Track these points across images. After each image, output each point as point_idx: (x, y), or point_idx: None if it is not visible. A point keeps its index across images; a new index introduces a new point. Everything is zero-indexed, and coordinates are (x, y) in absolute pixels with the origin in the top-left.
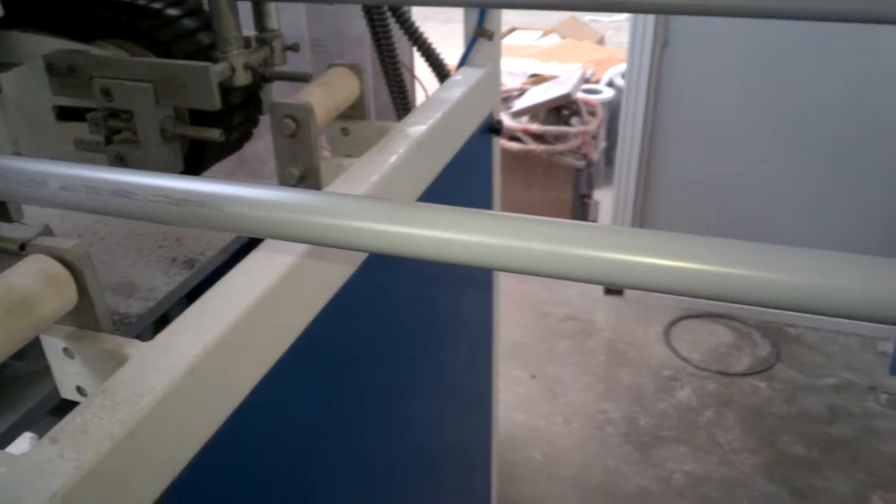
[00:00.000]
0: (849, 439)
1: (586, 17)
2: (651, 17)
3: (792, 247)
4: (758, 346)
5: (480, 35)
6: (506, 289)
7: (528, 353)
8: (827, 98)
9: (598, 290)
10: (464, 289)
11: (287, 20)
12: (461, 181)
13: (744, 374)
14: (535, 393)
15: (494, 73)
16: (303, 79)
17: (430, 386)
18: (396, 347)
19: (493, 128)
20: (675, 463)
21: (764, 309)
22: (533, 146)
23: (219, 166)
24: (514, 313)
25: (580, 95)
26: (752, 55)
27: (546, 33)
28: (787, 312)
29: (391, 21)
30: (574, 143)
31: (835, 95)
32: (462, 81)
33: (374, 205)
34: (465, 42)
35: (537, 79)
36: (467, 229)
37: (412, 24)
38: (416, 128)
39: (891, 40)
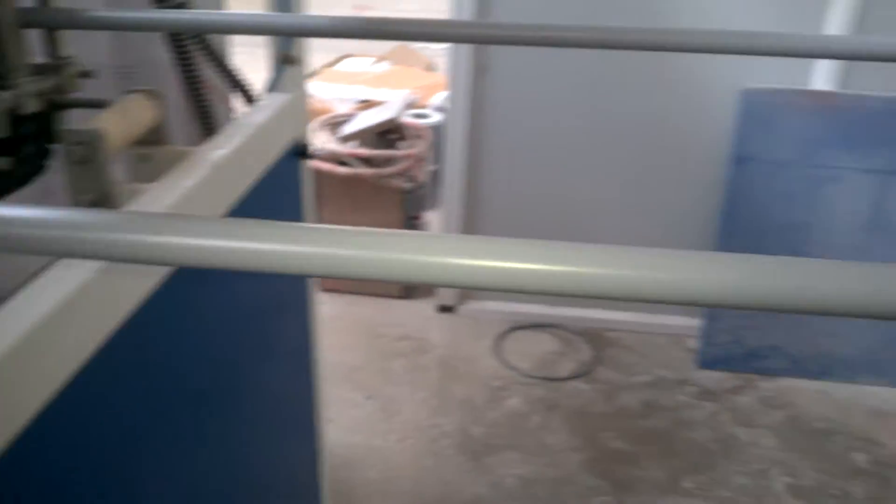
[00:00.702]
0: (662, 430)
1: (417, 45)
2: (469, 47)
3: (608, 245)
4: (581, 352)
5: (286, 61)
6: (337, 312)
7: (363, 375)
8: (627, 115)
9: (431, 309)
10: (277, 309)
11: (89, 47)
12: (267, 205)
13: (568, 378)
14: (371, 413)
15: (300, 99)
16: (98, 105)
17: (242, 407)
18: (202, 368)
19: (300, 152)
20: (506, 468)
21: (587, 317)
22: (361, 170)
23: (19, 198)
24: (346, 336)
25: (408, 120)
26: (565, 79)
27: (378, 60)
28: (607, 319)
29: (195, 46)
30: (402, 165)
31: (633, 113)
32: (266, 107)
33: (137, 218)
34: (272, 68)
35: (367, 104)
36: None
37: (214, 50)
38: (216, 152)
39: (675, 63)
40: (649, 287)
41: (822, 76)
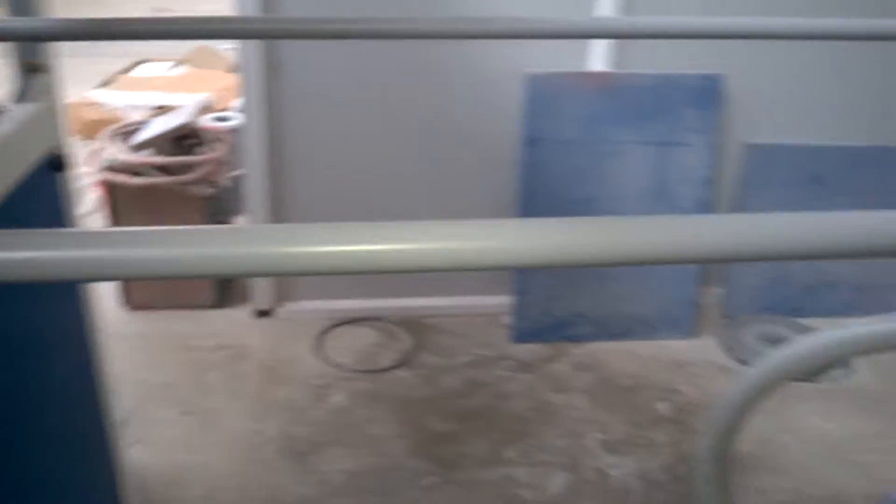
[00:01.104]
0: (483, 407)
1: (221, 45)
2: (259, 45)
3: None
4: (402, 341)
5: (32, 69)
6: (147, 330)
7: (178, 391)
8: (423, 103)
9: (247, 315)
10: (46, 336)
11: None
12: (18, 221)
13: (390, 368)
14: (189, 429)
15: (53, 108)
16: None
17: (14, 442)
18: None
19: (55, 164)
20: (332, 464)
21: (405, 306)
22: (158, 179)
23: None
24: (158, 354)
25: (206, 124)
26: (359, 71)
27: (178, 63)
28: (425, 306)
29: None
30: (201, 171)
31: (428, 101)
32: (10, 119)
33: None
34: (16, 78)
35: (161, 110)
36: None
37: None
38: None
39: (464, 51)
40: (464, 256)
41: (599, 58)
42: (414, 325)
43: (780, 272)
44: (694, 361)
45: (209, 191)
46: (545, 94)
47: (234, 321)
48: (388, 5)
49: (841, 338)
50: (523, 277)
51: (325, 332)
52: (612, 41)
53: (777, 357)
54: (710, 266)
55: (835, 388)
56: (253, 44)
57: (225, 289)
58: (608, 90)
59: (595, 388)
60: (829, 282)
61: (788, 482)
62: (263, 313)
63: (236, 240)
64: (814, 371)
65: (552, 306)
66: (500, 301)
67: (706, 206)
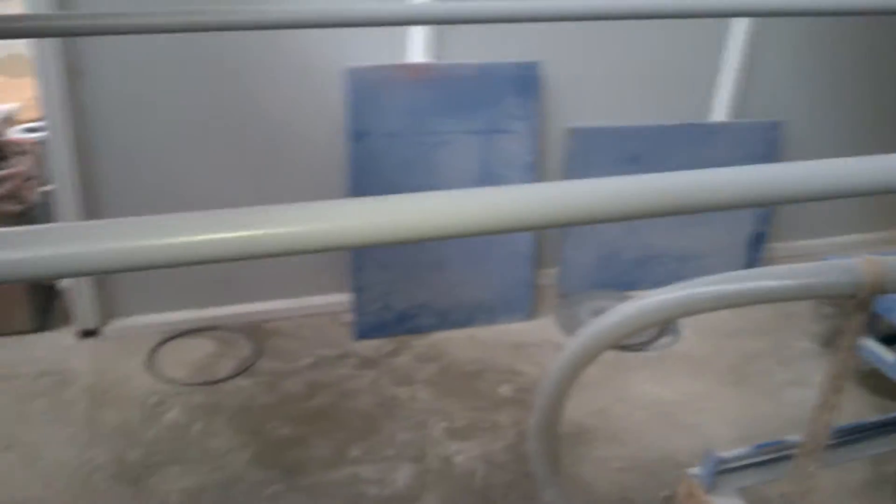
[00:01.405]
0: (327, 407)
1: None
2: (58, 48)
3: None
4: (241, 349)
5: None
6: None
7: None
8: (243, 101)
9: (72, 337)
10: None
11: None
12: None
13: (229, 378)
14: (10, 465)
15: None
16: None
17: None
18: None
19: None
20: (170, 484)
21: (243, 312)
22: None
23: None
24: None
25: (15, 136)
26: (172, 71)
27: None
28: (264, 310)
29: None
30: (6, 187)
31: (249, 98)
32: None
33: None
34: None
35: None
36: None
37: None
38: None
39: (285, 46)
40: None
41: (419, 49)
42: (253, 331)
43: (609, 250)
44: (533, 342)
45: (17, 208)
46: (367, 88)
47: (57, 344)
48: None
49: (645, 306)
50: (361, 274)
51: (158, 346)
52: (431, 32)
53: (590, 329)
54: (543, 248)
55: (664, 355)
56: (51, 48)
57: (45, 310)
58: (430, 81)
59: (439, 377)
60: (655, 255)
61: (625, 450)
62: (89, 333)
63: (48, 239)
64: (627, 336)
65: (392, 300)
66: (340, 299)
67: None
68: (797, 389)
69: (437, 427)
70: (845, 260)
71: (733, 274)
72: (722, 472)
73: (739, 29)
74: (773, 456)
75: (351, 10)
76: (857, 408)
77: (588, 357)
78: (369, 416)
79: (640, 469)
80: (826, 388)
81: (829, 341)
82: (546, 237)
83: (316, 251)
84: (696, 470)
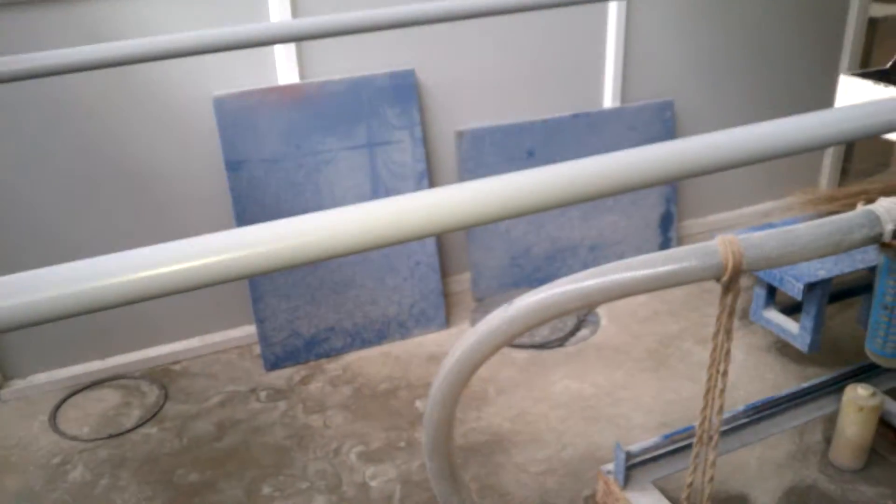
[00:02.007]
0: (237, 446)
1: None
2: None
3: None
4: (147, 395)
5: None
6: None
7: None
8: (113, 140)
9: None
10: None
11: None
12: None
13: (135, 428)
14: None
15: None
16: None
17: None
18: None
19: None
20: None
21: (148, 357)
22: None
23: None
24: None
25: None
26: (35, 115)
27: None
28: (171, 352)
29: None
30: None
31: (118, 136)
32: None
33: None
34: None
35: None
36: None
37: None
38: None
39: (148, 78)
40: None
41: (286, 70)
42: (161, 375)
43: (519, 248)
44: (449, 351)
45: None
46: (237, 115)
47: None
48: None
49: (535, 301)
50: (261, 304)
51: (61, 403)
52: (295, 52)
53: (461, 346)
54: (450, 254)
55: (583, 348)
56: None
57: None
58: (303, 101)
59: (353, 400)
60: (567, 247)
61: (545, 452)
62: None
63: None
64: (520, 333)
65: (299, 326)
66: (248, 331)
67: None
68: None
69: (352, 452)
70: (705, 243)
71: (599, 269)
72: (634, 465)
73: (614, 13)
74: (684, 444)
75: (208, 36)
76: (782, 378)
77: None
78: (281, 449)
79: (562, 470)
80: (710, 373)
81: (747, 313)
82: (451, 243)
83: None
84: (609, 466)
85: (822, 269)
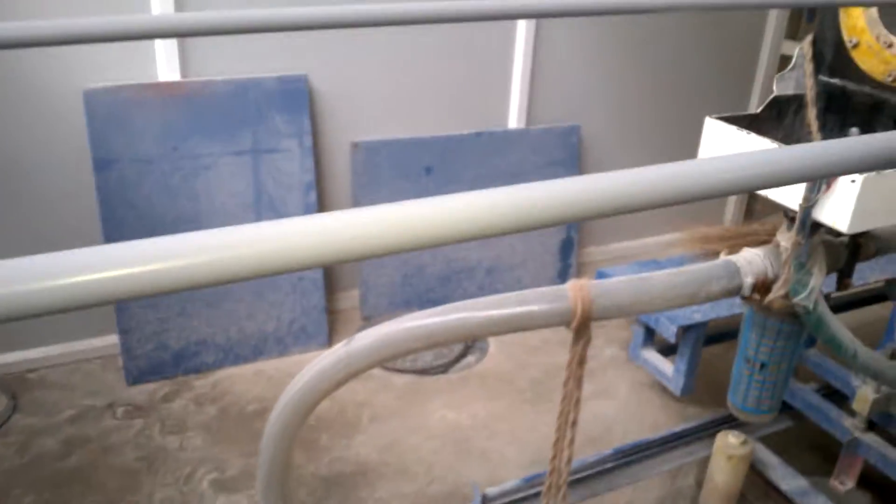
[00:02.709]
0: (83, 467)
1: None
2: None
3: None
4: None
5: None
6: None
7: None
8: None
9: None
10: None
11: None
12: None
13: None
14: None
15: None
16: None
17: None
18: None
19: None
20: None
21: (3, 363)
22: None
23: None
24: None
25: None
26: None
27: None
28: (26, 360)
29: None
30: None
31: None
32: None
33: None
34: None
35: None
36: None
37: None
38: None
39: (11, 68)
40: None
41: (167, 66)
42: (14, 383)
43: (413, 267)
44: None
45: None
46: (111, 111)
47: None
48: None
49: (352, 351)
50: (125, 314)
51: None
52: (177, 48)
53: (317, 365)
54: (338, 270)
55: (466, 376)
56: None
57: None
58: (183, 101)
59: (216, 421)
60: (463, 269)
61: (412, 486)
62: None
63: None
64: (361, 371)
65: (167, 338)
66: (113, 341)
67: (314, 210)
68: (601, 402)
69: (206, 479)
70: (557, 287)
71: (449, 307)
72: None
73: (523, 32)
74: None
75: (81, 25)
76: (662, 417)
77: (302, 413)
78: (129, 472)
79: None
80: (559, 423)
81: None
82: None
83: None
84: None
85: (697, 312)
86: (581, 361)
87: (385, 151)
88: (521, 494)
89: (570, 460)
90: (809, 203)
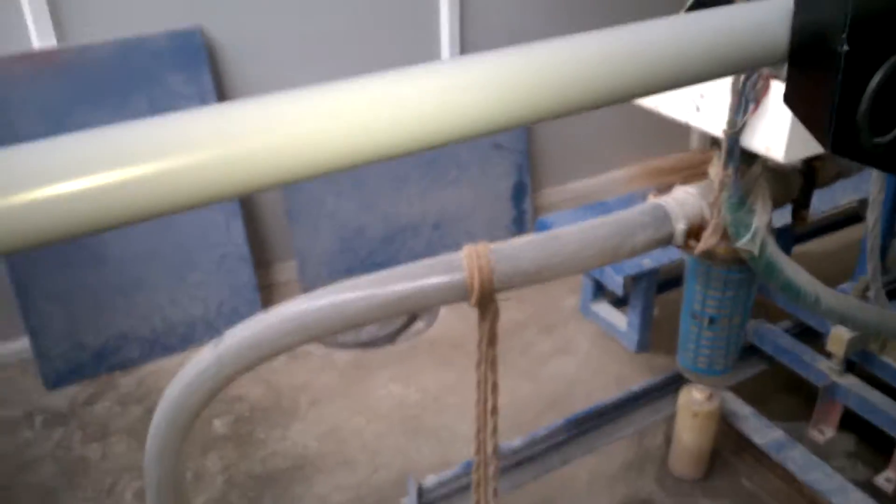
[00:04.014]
0: None
1: None
2: None
3: None
4: None
5: None
6: None
7: None
8: None
9: None
10: None
11: None
12: None
13: None
14: None
15: None
16: None
17: None
18: None
19: None
20: None
21: None
22: None
23: None
24: None
25: None
26: None
27: None
28: None
29: None
30: None
31: None
32: None
33: None
34: None
35: None
36: None
37: None
38: None
39: None
40: None
41: (40, 32)
42: None
43: (351, 230)
44: None
45: None
46: None
47: None
48: None
49: (225, 352)
50: (34, 313)
51: None
52: (48, 10)
53: (184, 375)
54: (269, 241)
55: (415, 345)
56: None
57: None
58: (63, 70)
59: (142, 423)
60: (407, 226)
61: (354, 476)
62: None
63: None
64: (238, 375)
65: (83, 336)
66: (27, 345)
67: None
68: (560, 359)
69: (129, 490)
70: (450, 255)
71: (326, 290)
72: (431, 500)
73: None
74: None
75: None
76: (628, 369)
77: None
78: (48, 490)
79: (370, 499)
80: (478, 411)
81: (598, 292)
82: (268, 228)
83: None
84: (405, 501)
85: (647, 258)
86: (492, 340)
87: None
88: (462, 482)
89: (495, 450)
90: (735, 128)
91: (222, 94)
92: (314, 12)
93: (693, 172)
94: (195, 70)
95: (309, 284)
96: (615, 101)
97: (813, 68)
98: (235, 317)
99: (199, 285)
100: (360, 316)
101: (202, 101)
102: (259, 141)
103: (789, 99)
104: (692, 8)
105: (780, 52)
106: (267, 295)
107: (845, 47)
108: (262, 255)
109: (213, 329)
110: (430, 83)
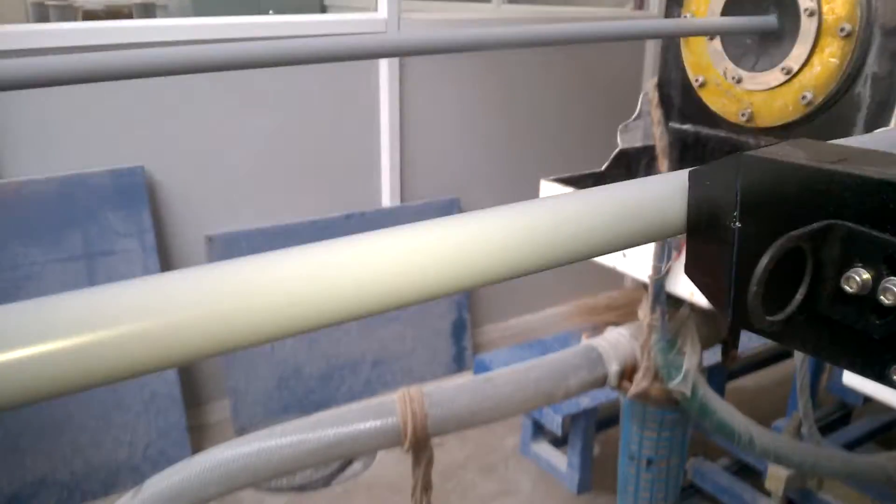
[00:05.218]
0: None
1: None
2: None
3: None
4: None
5: None
6: None
7: None
8: None
9: None
10: None
11: None
12: None
13: None
14: None
15: None
16: None
17: None
18: None
19: None
20: None
21: None
22: None
23: None
24: None
25: None
26: None
27: None
28: None
29: None
30: None
31: None
32: None
33: None
34: None
35: None
36: None
37: None
38: None
39: None
40: None
41: None
42: None
43: (288, 369)
44: None
45: None
46: None
47: None
48: None
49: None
50: None
51: None
52: None
53: None
54: (200, 381)
55: (351, 488)
56: None
57: None
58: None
59: None
60: (346, 364)
61: None
62: None
63: None
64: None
65: None
66: None
67: None
68: (502, 501)
69: None
70: (383, 399)
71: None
72: None
73: (386, 100)
74: None
75: None
76: None
77: None
78: None
79: None
80: None
81: (537, 432)
82: (200, 366)
83: None
84: None
85: (585, 397)
86: (426, 486)
87: (245, 243)
88: None
89: None
90: (660, 274)
91: (160, 232)
92: (259, 156)
93: (628, 310)
94: (135, 208)
95: (243, 425)
96: (536, 271)
97: (710, 241)
98: (162, 460)
99: (125, 427)
100: (289, 463)
101: (140, 239)
102: (193, 314)
103: (690, 270)
104: (617, 161)
105: (679, 225)
106: (197, 436)
107: (738, 224)
108: (193, 394)
109: (137, 473)
110: (372, 253)
